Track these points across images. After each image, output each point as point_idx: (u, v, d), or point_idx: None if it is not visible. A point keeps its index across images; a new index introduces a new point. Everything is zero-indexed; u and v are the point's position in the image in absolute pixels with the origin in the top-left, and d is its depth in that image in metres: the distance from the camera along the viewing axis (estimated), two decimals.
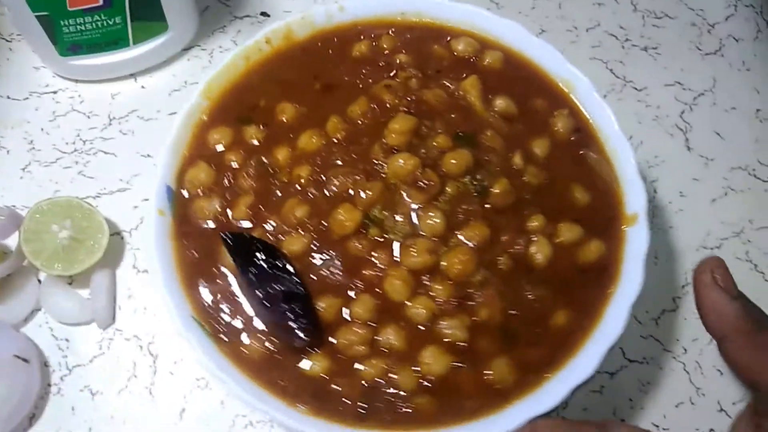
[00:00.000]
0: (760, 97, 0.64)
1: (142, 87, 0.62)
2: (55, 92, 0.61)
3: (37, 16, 0.54)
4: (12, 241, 0.54)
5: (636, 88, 0.64)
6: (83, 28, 0.56)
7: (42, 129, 0.60)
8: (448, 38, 0.54)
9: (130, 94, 0.61)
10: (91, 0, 0.54)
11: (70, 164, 0.59)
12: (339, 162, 0.49)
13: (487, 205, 0.47)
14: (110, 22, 0.56)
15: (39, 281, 0.54)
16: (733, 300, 0.41)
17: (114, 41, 0.58)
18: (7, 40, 0.63)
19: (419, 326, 0.45)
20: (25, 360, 0.50)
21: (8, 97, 0.61)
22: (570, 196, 0.49)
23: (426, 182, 0.47)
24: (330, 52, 0.54)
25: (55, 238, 0.52)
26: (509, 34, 0.54)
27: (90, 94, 0.61)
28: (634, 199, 0.48)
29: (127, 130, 0.60)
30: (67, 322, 0.53)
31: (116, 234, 0.56)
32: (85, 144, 0.59)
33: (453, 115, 0.50)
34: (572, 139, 0.51)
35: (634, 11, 0.67)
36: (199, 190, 0.49)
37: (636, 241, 0.47)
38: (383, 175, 0.48)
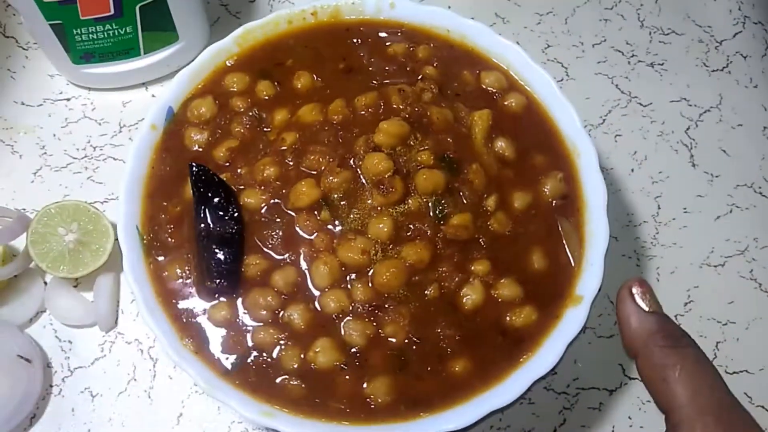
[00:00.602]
0: (767, 114, 0.62)
1: (153, 96, 0.64)
2: (68, 99, 0.63)
3: (50, 25, 0.56)
4: (20, 243, 0.56)
5: (641, 104, 0.63)
6: (95, 36, 0.57)
7: (54, 135, 0.61)
8: (480, 69, 0.54)
9: (140, 103, 0.63)
10: (102, 9, 0.55)
11: (80, 169, 0.60)
12: (324, 141, 0.50)
13: (439, 233, 0.47)
14: (121, 32, 0.58)
15: (45, 283, 0.56)
16: (649, 315, 0.39)
17: (125, 50, 0.60)
18: (24, 48, 0.66)
19: (325, 316, 0.46)
20: (28, 360, 0.52)
21: (23, 103, 0.63)
22: (526, 257, 0.48)
23: (389, 188, 0.47)
24: (369, 40, 0.56)
25: (61, 241, 0.54)
26: (539, 83, 0.53)
27: (102, 102, 0.62)
28: (587, 283, 0.46)
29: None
30: (70, 324, 0.55)
31: None
32: (95, 150, 0.61)
33: (449, 139, 0.50)
34: (555, 203, 0.50)
35: (641, 27, 0.67)
36: (196, 120, 0.53)
37: (570, 323, 0.45)
38: (355, 168, 0.48)
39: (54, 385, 0.54)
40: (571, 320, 0.45)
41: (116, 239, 0.54)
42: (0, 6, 0.67)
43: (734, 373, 0.53)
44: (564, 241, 0.49)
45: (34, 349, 0.53)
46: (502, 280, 0.47)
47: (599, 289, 0.46)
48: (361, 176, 0.48)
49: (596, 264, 0.47)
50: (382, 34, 0.56)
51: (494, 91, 0.53)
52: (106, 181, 0.61)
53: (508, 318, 0.46)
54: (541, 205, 0.50)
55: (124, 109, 0.63)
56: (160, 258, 0.48)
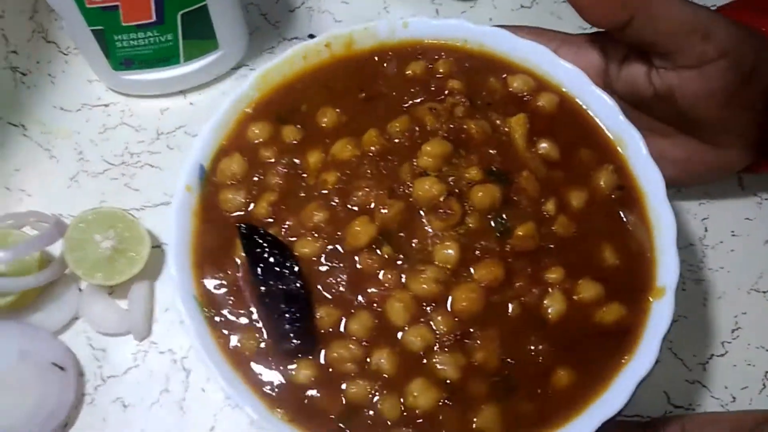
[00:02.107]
0: None
1: (191, 104, 0.63)
2: (106, 105, 0.63)
3: (92, 30, 0.55)
4: (56, 249, 0.55)
5: None
6: (136, 43, 0.57)
7: (91, 140, 0.61)
8: (506, 74, 0.53)
9: (178, 110, 0.62)
10: (144, 16, 0.55)
11: (117, 176, 0.59)
12: (367, 174, 0.48)
13: (507, 247, 0.46)
14: (162, 39, 0.57)
15: (80, 290, 0.55)
16: None
17: (165, 58, 0.59)
18: (64, 53, 0.65)
19: (413, 355, 0.44)
20: (61, 368, 0.51)
21: (61, 108, 0.63)
22: (598, 254, 0.47)
23: (447, 211, 0.46)
24: (384, 65, 0.54)
25: (97, 247, 0.53)
26: (568, 79, 0.52)
27: (140, 109, 0.62)
28: (666, 272, 0.46)
29: (174, 145, 0.61)
30: (105, 332, 0.54)
31: (157, 247, 0.57)
32: (132, 157, 0.61)
33: (492, 150, 0.49)
34: (613, 196, 0.49)
35: None
36: (229, 181, 0.50)
37: (659, 316, 0.44)
38: (407, 196, 0.47)
39: (86, 394, 0.52)
40: (660, 313, 0.44)
41: (153, 246, 0.54)
42: (42, 10, 0.66)
43: None
44: (632, 232, 0.48)
45: (68, 357, 0.52)
46: (580, 282, 0.46)
47: (681, 276, 0.45)
48: (415, 204, 0.47)
49: (670, 252, 0.46)
50: (397, 57, 0.54)
51: (524, 94, 0.53)
52: (143, 188, 0.59)
53: (598, 318, 0.45)
54: (599, 200, 0.49)
55: (161, 116, 0.62)
56: (227, 330, 0.45)
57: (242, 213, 0.49)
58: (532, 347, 0.44)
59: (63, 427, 0.51)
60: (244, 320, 0.46)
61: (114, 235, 0.54)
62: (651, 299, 0.45)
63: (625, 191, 0.49)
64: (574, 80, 0.52)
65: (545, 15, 0.67)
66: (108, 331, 0.54)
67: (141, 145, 0.61)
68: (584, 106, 0.52)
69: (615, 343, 0.44)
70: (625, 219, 0.48)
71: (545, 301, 0.45)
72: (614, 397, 0.42)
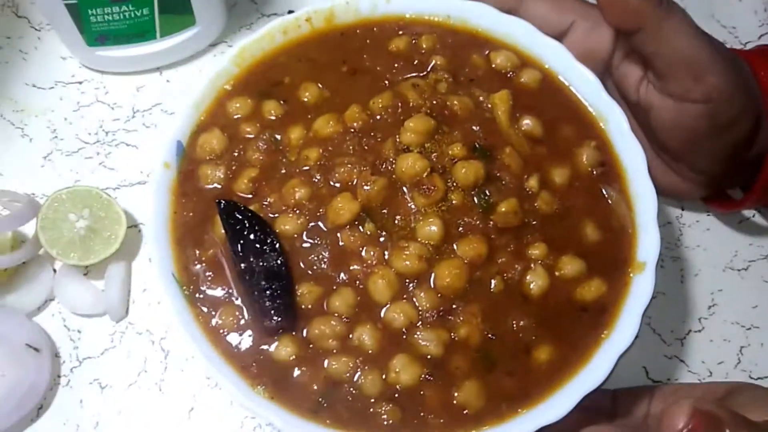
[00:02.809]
0: None
1: (168, 81, 0.62)
2: (80, 83, 0.61)
3: (65, 5, 0.54)
4: (29, 229, 0.54)
5: None
6: (111, 18, 0.55)
7: (66, 119, 0.59)
8: (489, 50, 0.53)
9: (155, 88, 0.61)
10: None
11: (92, 155, 0.58)
12: (350, 151, 0.48)
13: (490, 223, 0.46)
14: (138, 14, 0.56)
15: (54, 270, 0.54)
16: None
17: (141, 33, 0.58)
18: (36, 29, 0.63)
19: (396, 332, 0.44)
20: (36, 349, 0.50)
21: (34, 86, 0.61)
22: (580, 230, 0.47)
23: (430, 187, 0.45)
24: (367, 41, 0.53)
25: (72, 227, 0.52)
26: (551, 55, 0.52)
27: (115, 86, 0.61)
28: (646, 248, 0.46)
29: (150, 123, 0.60)
30: (80, 312, 0.53)
31: (134, 226, 0.56)
32: (107, 135, 0.59)
33: (475, 126, 0.49)
34: (595, 172, 0.49)
35: None
36: (208, 156, 0.49)
37: (639, 291, 0.45)
38: (390, 172, 0.46)
39: (62, 376, 0.52)
40: (640, 288, 0.45)
41: (129, 227, 0.53)
42: None
43: (759, 378, 0.53)
44: (613, 209, 0.48)
45: (42, 338, 0.51)
46: (562, 258, 0.46)
47: (660, 253, 0.45)
48: (397, 180, 0.46)
49: (650, 227, 0.46)
50: (381, 31, 0.54)
51: (507, 70, 0.52)
52: (119, 167, 0.58)
53: (578, 294, 0.45)
54: (581, 176, 0.49)
55: (137, 94, 0.61)
56: (206, 308, 0.45)
57: (222, 189, 0.48)
58: (514, 322, 0.44)
59: (38, 410, 0.50)
60: (224, 297, 0.45)
61: (89, 214, 0.53)
62: (631, 274, 0.46)
63: (607, 167, 0.49)
64: (556, 56, 0.52)
65: None
66: (84, 312, 0.53)
67: (116, 123, 0.60)
68: (567, 83, 0.52)
69: (595, 318, 0.45)
70: (606, 195, 0.48)
71: (528, 277, 0.45)
72: (595, 371, 0.43)
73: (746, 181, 0.52)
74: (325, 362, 0.43)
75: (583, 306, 0.45)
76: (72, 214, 0.53)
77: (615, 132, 0.49)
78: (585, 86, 0.51)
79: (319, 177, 0.47)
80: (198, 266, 0.46)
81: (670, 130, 0.49)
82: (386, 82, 0.51)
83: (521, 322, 0.44)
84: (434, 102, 0.49)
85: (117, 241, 0.52)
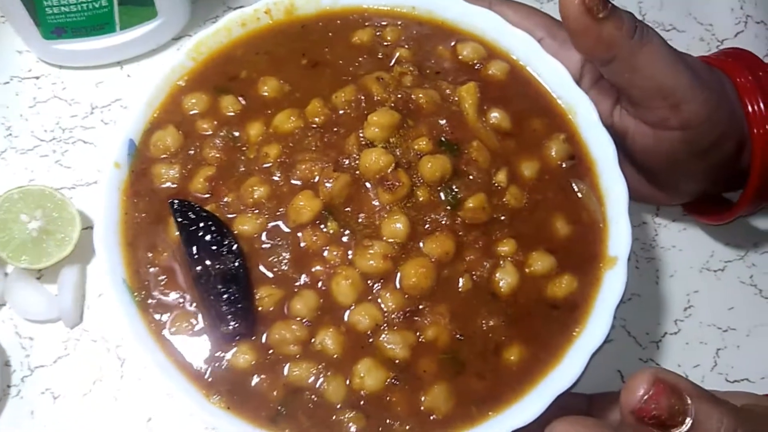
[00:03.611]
0: None
1: (128, 76, 0.59)
2: (37, 78, 0.59)
3: None
4: None
5: None
6: (67, 9, 0.53)
7: (21, 115, 0.58)
8: (455, 42, 0.51)
9: (114, 83, 0.59)
10: None
11: (48, 153, 0.56)
12: (311, 147, 0.46)
13: (457, 220, 0.44)
14: (96, 5, 0.54)
15: (5, 274, 0.51)
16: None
17: (100, 25, 0.55)
18: None
19: (360, 335, 0.42)
20: None
21: None
22: (549, 224, 0.46)
23: (395, 183, 0.43)
24: (330, 35, 0.52)
25: (24, 228, 0.50)
26: (519, 46, 0.50)
27: (73, 81, 0.59)
28: (617, 242, 0.45)
29: (109, 120, 0.58)
30: (32, 319, 0.51)
31: (89, 228, 0.53)
32: (64, 132, 0.57)
33: (441, 120, 0.47)
34: (564, 166, 0.48)
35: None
36: (162, 155, 0.47)
37: (611, 287, 0.43)
38: (353, 169, 0.45)
39: (12, 386, 0.49)
40: (612, 284, 0.43)
41: (83, 228, 0.51)
42: None
43: (735, 381, 0.52)
44: (583, 202, 0.46)
45: None
46: (532, 254, 0.44)
47: (631, 247, 0.44)
48: (361, 177, 0.45)
49: (621, 220, 0.45)
50: (344, 24, 0.52)
51: (474, 62, 0.51)
52: (75, 165, 0.56)
53: (549, 291, 0.44)
54: (551, 170, 0.47)
55: (96, 90, 0.59)
56: (159, 315, 0.42)
57: (176, 189, 0.46)
58: (483, 322, 0.42)
59: None
60: (178, 303, 0.43)
61: (42, 215, 0.50)
62: (603, 269, 0.44)
63: (577, 160, 0.48)
64: (524, 47, 0.50)
65: None
66: (36, 318, 0.51)
67: (74, 119, 0.58)
68: (535, 74, 0.50)
69: (566, 315, 0.43)
70: (576, 189, 0.47)
71: (497, 275, 0.43)
72: (566, 370, 0.41)
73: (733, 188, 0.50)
74: (286, 368, 0.41)
75: (554, 303, 0.44)
76: (24, 214, 0.50)
77: (584, 124, 0.48)
78: (554, 78, 0.49)
79: (279, 175, 0.45)
80: (150, 270, 0.43)
81: (647, 154, 0.48)
82: (349, 76, 0.49)
83: (490, 322, 0.43)
84: (399, 95, 0.47)
85: (71, 243, 0.50)
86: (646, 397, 0.33)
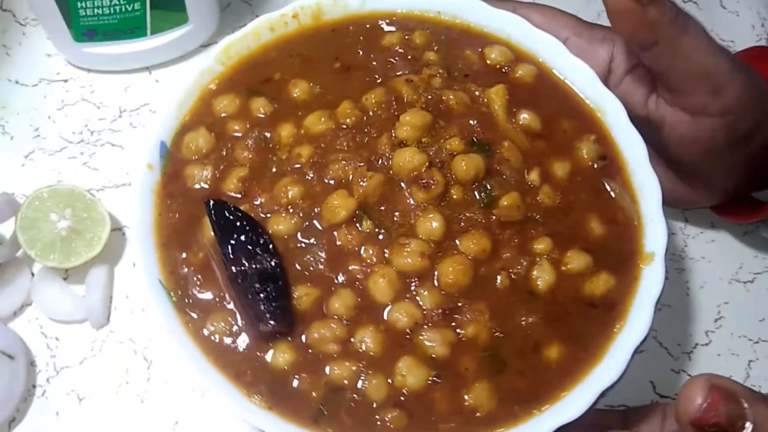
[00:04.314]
0: None
1: (156, 81, 0.60)
2: (65, 81, 0.59)
3: None
4: (7, 230, 0.51)
5: None
6: (100, 12, 0.54)
7: (49, 117, 0.58)
8: (482, 46, 0.52)
9: (143, 87, 0.59)
10: None
11: (75, 154, 0.56)
12: (343, 147, 0.46)
13: (492, 218, 0.44)
14: (129, 8, 0.54)
15: (32, 274, 0.51)
16: None
17: (131, 29, 0.56)
18: (21, 24, 0.61)
19: (400, 333, 0.41)
20: (10, 357, 0.47)
21: (17, 82, 0.59)
22: (584, 224, 0.46)
23: (430, 181, 0.43)
24: (360, 38, 0.52)
25: (53, 227, 0.50)
26: (545, 49, 0.51)
27: (102, 85, 0.59)
28: (653, 238, 0.45)
29: (137, 123, 0.58)
30: (58, 319, 0.50)
31: (118, 229, 0.53)
32: (92, 135, 0.57)
33: (471, 121, 0.47)
34: (596, 166, 0.48)
35: None
36: (194, 156, 0.47)
37: (650, 282, 0.43)
38: (386, 168, 0.45)
39: (38, 386, 0.48)
40: (650, 280, 0.43)
41: (113, 229, 0.50)
42: None
43: None
44: (617, 202, 0.47)
45: (17, 345, 0.48)
46: (568, 253, 0.44)
47: (667, 243, 0.44)
48: (395, 176, 0.44)
49: (656, 217, 0.45)
50: (373, 28, 0.52)
51: (502, 65, 0.51)
52: (103, 167, 0.56)
53: (587, 289, 0.43)
54: (583, 170, 0.47)
55: (125, 94, 0.59)
56: (196, 314, 0.42)
57: (210, 189, 0.45)
58: (522, 319, 0.42)
59: (10, 423, 0.47)
60: (215, 302, 0.42)
61: (71, 214, 0.50)
62: (641, 265, 0.44)
63: (608, 161, 0.48)
64: (550, 50, 0.51)
65: None
66: (62, 318, 0.50)
67: (102, 122, 0.58)
68: (562, 77, 0.51)
69: (605, 313, 0.43)
70: (609, 189, 0.47)
71: (534, 272, 0.43)
72: (609, 367, 0.41)
73: (762, 188, 0.50)
74: (326, 368, 0.40)
75: (592, 302, 0.43)
76: (53, 213, 0.50)
77: (614, 124, 0.48)
78: (581, 79, 0.50)
79: (312, 175, 0.45)
80: (186, 270, 0.43)
81: (685, 144, 0.47)
82: (379, 78, 0.50)
83: (529, 319, 0.42)
84: (429, 97, 0.48)
85: (100, 243, 0.50)
86: (705, 405, 0.32)
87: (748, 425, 0.32)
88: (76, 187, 0.51)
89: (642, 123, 0.48)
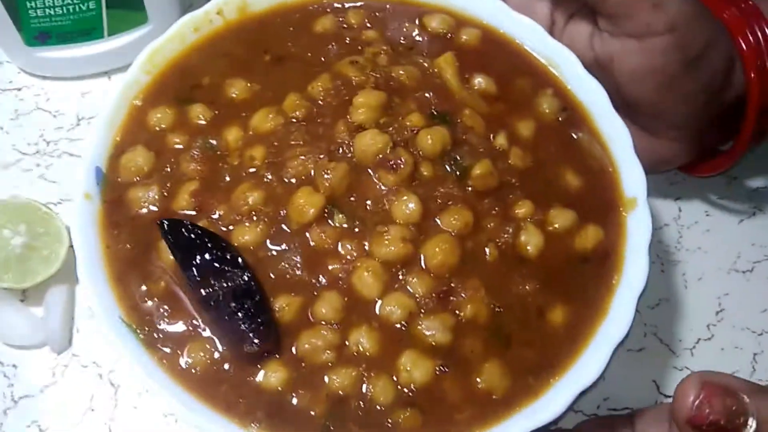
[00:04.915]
0: None
1: (113, 84, 0.55)
2: (19, 89, 0.56)
3: None
4: None
5: None
6: (53, 12, 0.50)
7: (2, 128, 0.54)
8: (420, 16, 0.49)
9: (102, 94, 0.55)
10: None
11: (31, 167, 0.53)
12: (298, 142, 0.42)
13: (467, 189, 0.42)
14: (83, 7, 0.50)
15: None
16: None
17: (87, 30, 0.52)
18: None
19: (395, 327, 0.38)
20: None
21: None
22: (560, 180, 0.44)
23: (397, 162, 0.41)
24: (290, 28, 0.49)
25: (6, 244, 0.46)
26: (487, 11, 0.49)
27: (58, 92, 0.56)
28: (632, 182, 0.43)
29: None
30: (15, 344, 0.47)
31: None
32: (48, 145, 0.53)
33: (427, 94, 0.45)
34: (560, 119, 0.46)
35: None
36: (135, 177, 0.42)
37: (637, 228, 0.42)
38: (349, 156, 0.42)
39: None
40: (637, 225, 0.42)
41: (71, 246, 0.45)
42: None
43: None
44: (587, 150, 0.45)
45: None
46: (551, 212, 0.42)
47: (647, 186, 0.42)
48: (359, 163, 0.42)
49: (629, 160, 0.44)
50: (303, 15, 0.49)
51: (445, 32, 0.49)
52: (61, 179, 0.52)
53: (577, 245, 0.42)
54: (547, 125, 0.46)
55: (82, 100, 0.55)
56: (169, 349, 0.37)
57: (159, 211, 0.41)
58: (519, 288, 0.40)
59: None
60: (189, 332, 0.38)
61: (26, 230, 0.46)
62: (624, 213, 0.43)
63: (570, 111, 0.47)
64: (491, 10, 0.49)
65: None
66: (20, 343, 0.46)
67: (59, 132, 0.54)
68: (509, 35, 0.49)
69: (600, 266, 0.42)
70: (577, 138, 0.46)
71: (521, 238, 0.41)
72: (616, 321, 0.39)
73: (728, 138, 0.48)
74: (324, 379, 0.37)
75: (584, 256, 0.42)
76: (6, 229, 0.46)
77: (569, 75, 0.47)
78: (528, 35, 0.48)
79: (270, 176, 0.42)
80: (149, 303, 0.39)
81: (638, 76, 0.45)
82: (319, 66, 0.47)
83: (526, 287, 0.40)
84: (378, 76, 0.45)
85: (58, 260, 0.46)
86: (697, 402, 0.30)
87: (751, 421, 0.30)
88: (31, 200, 0.47)
89: (593, 69, 0.47)
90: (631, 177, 0.44)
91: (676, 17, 0.42)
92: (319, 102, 0.44)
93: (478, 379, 0.37)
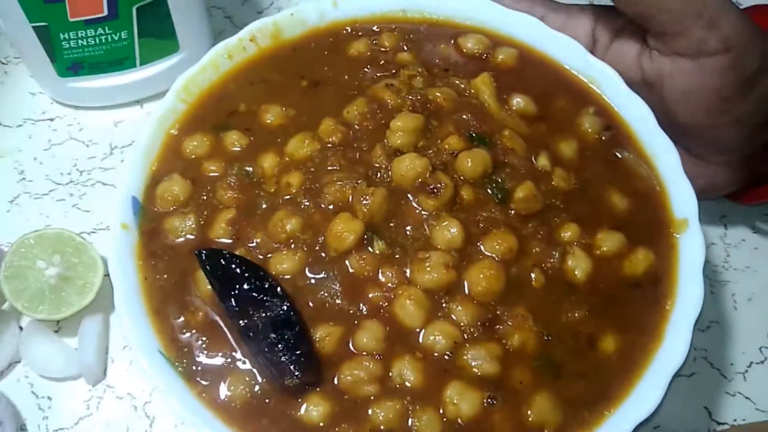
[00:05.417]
0: None
1: (149, 114, 0.54)
2: (51, 119, 0.56)
3: (34, 28, 0.48)
4: None
5: None
6: (85, 43, 0.50)
7: (35, 158, 0.54)
8: (455, 37, 0.49)
9: (134, 122, 0.56)
10: (94, 9, 0.48)
11: (64, 196, 0.53)
12: (335, 168, 0.42)
13: (510, 212, 0.40)
14: (115, 37, 0.50)
15: (20, 328, 0.47)
16: None
17: (119, 60, 0.52)
18: (3, 63, 0.58)
19: (440, 357, 0.37)
20: None
21: (0, 124, 0.55)
22: (606, 201, 0.43)
23: (437, 186, 0.40)
24: (325, 53, 0.48)
25: (41, 275, 0.46)
26: (522, 29, 0.48)
27: (90, 122, 0.56)
28: (681, 202, 0.42)
29: None
30: (50, 376, 0.46)
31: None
32: (81, 175, 0.54)
33: (465, 115, 0.44)
34: (603, 138, 0.45)
35: None
36: (172, 207, 0.42)
37: (690, 250, 0.40)
38: (387, 181, 0.41)
39: None
40: (690, 247, 0.40)
41: (106, 274, 0.45)
42: None
43: None
44: (633, 170, 0.44)
45: (5, 409, 0.44)
46: (598, 235, 0.41)
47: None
48: (398, 187, 0.41)
49: (677, 179, 0.42)
50: (337, 39, 0.49)
51: (480, 52, 0.48)
52: (95, 208, 0.52)
53: (627, 269, 0.40)
54: (590, 144, 0.45)
55: (115, 129, 0.56)
56: (208, 382, 0.37)
57: (197, 239, 0.41)
58: (568, 316, 0.38)
59: None
60: (228, 364, 0.37)
61: (60, 260, 0.46)
62: (675, 234, 0.41)
63: (614, 130, 0.45)
64: (529, 30, 0.48)
65: None
66: (55, 375, 0.46)
67: (92, 161, 0.54)
68: (546, 54, 0.48)
69: (652, 290, 0.40)
70: (622, 158, 0.44)
71: (568, 263, 0.40)
72: (673, 347, 0.37)
73: None
74: (368, 412, 0.36)
75: (635, 281, 0.40)
76: (41, 260, 0.46)
77: (612, 93, 0.46)
78: (568, 53, 0.47)
79: (307, 203, 0.41)
80: (188, 335, 0.38)
81: (690, 96, 0.43)
82: (354, 89, 0.46)
83: (575, 314, 0.39)
84: (414, 98, 0.44)
85: (92, 290, 0.45)
86: None
87: None
88: (64, 230, 0.47)
89: (640, 89, 0.45)
90: (681, 197, 0.42)
91: (730, 36, 0.41)
92: (355, 126, 0.44)
93: (528, 412, 0.36)
